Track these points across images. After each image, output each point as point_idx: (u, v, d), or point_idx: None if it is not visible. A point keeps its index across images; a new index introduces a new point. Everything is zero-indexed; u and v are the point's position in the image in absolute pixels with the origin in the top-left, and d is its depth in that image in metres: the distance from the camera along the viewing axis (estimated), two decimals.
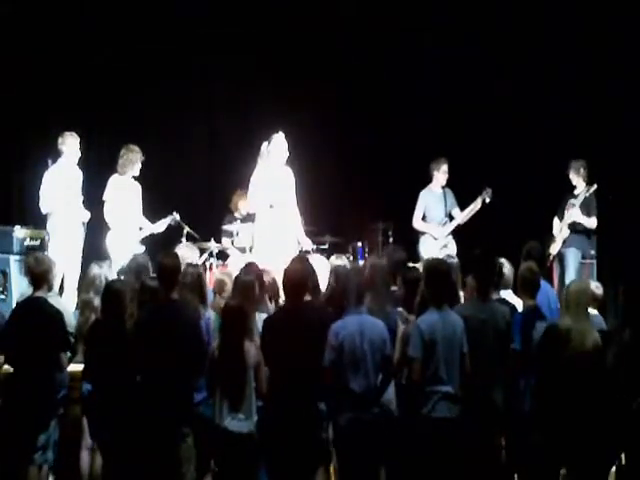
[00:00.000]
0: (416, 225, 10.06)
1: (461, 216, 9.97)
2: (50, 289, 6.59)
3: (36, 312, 6.39)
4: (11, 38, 10.72)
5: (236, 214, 10.46)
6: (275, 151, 9.11)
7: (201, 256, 9.84)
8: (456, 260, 7.54)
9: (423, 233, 10.02)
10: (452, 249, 9.80)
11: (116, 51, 11.09)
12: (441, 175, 10.02)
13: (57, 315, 6.38)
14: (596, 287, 7.64)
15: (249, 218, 9.73)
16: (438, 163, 10.03)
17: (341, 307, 6.00)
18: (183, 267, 6.47)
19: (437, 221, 10.00)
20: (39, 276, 6.49)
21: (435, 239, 9.94)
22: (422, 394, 5.84)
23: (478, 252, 6.61)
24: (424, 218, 10.06)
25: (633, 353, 5.98)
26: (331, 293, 6.48)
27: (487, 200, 9.87)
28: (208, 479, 6.21)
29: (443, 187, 10.06)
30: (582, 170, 9.63)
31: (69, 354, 6.64)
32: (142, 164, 9.42)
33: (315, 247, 10.03)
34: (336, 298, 6.19)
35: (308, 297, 6.19)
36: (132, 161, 9.32)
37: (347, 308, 5.94)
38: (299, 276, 6.09)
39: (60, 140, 9.39)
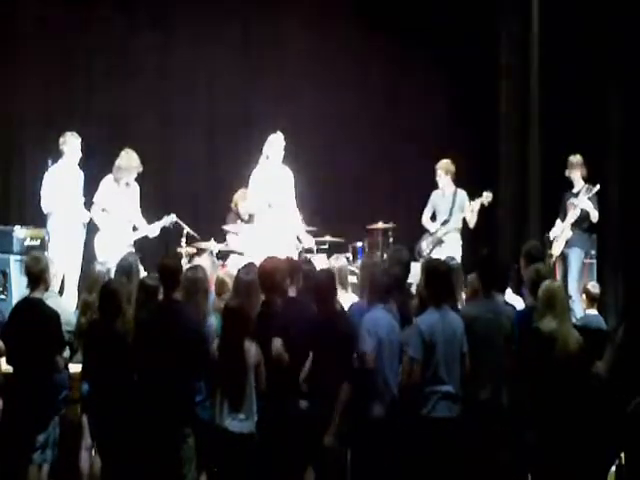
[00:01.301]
0: (423, 222, 10.12)
1: (457, 219, 9.95)
2: (47, 288, 6.56)
3: (32, 313, 6.36)
4: (11, 38, 10.73)
5: (240, 214, 10.42)
6: (273, 151, 9.12)
7: (201, 256, 9.84)
8: (457, 262, 7.53)
9: (425, 231, 10.09)
10: (450, 247, 9.78)
11: (116, 51, 11.09)
12: (437, 178, 10.03)
13: (53, 316, 6.34)
14: (592, 286, 7.64)
15: (252, 219, 9.72)
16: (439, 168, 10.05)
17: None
18: (185, 271, 6.47)
19: (442, 221, 10.04)
20: (37, 275, 6.45)
21: (431, 234, 9.99)
22: (422, 394, 5.85)
23: (484, 252, 6.59)
24: (434, 217, 10.10)
25: (626, 351, 5.97)
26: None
27: (486, 203, 9.86)
28: (203, 479, 6.21)
29: (455, 188, 10.04)
30: (580, 167, 9.61)
31: (68, 353, 6.63)
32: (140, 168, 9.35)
33: (315, 248, 10.05)
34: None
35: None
36: (126, 169, 9.20)
37: (372, 303, 5.97)
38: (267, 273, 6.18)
39: (61, 140, 9.36)
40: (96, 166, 9.64)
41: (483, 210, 9.87)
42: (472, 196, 9.91)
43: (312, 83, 11.31)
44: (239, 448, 5.81)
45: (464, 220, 9.89)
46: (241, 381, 5.83)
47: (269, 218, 9.12)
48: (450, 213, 9.97)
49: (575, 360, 5.97)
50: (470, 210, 9.88)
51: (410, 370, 5.86)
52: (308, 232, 9.73)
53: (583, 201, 9.36)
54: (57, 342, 6.35)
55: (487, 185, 9.93)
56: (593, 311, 7.61)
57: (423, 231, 10.11)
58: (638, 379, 5.83)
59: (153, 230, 9.43)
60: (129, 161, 9.22)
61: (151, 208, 9.65)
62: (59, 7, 10.73)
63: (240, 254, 9.67)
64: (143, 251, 9.09)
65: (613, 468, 6.18)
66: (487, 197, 9.83)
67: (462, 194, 10.01)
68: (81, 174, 9.51)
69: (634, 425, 5.77)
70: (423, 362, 5.82)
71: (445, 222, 9.99)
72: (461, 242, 9.93)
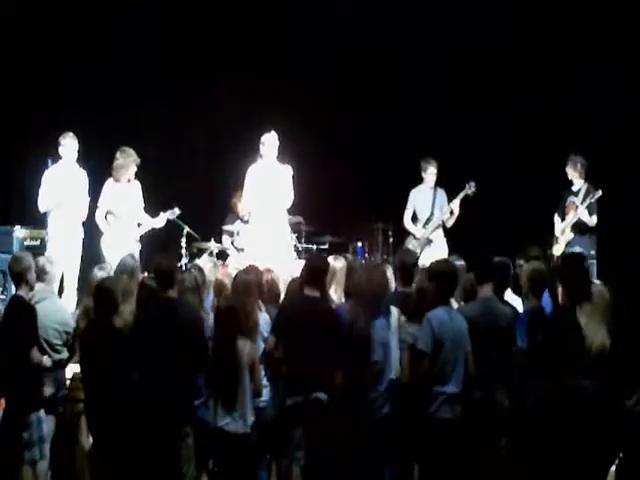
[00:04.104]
0: (404, 224, 10.10)
1: (440, 215, 9.93)
2: (32, 289, 6.56)
3: (8, 310, 6.47)
4: (12, 39, 10.75)
5: (240, 214, 10.43)
6: (266, 150, 9.13)
7: (201, 256, 9.86)
8: (462, 262, 7.53)
9: (409, 233, 10.05)
10: (438, 248, 9.77)
11: (117, 51, 11.11)
12: (428, 176, 10.02)
13: (27, 310, 6.38)
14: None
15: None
16: (426, 164, 10.01)
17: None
18: (181, 270, 6.49)
19: (424, 220, 10.01)
20: (17, 275, 6.53)
21: (417, 239, 9.96)
22: (429, 393, 5.90)
23: (479, 253, 6.60)
24: (415, 217, 10.06)
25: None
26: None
27: (470, 194, 9.83)
28: (204, 479, 6.21)
29: (435, 186, 10.03)
30: (579, 166, 9.59)
31: (67, 354, 6.63)
32: (140, 165, 9.32)
33: (315, 247, 10.08)
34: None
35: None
36: (124, 165, 9.20)
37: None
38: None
39: (60, 140, 9.38)
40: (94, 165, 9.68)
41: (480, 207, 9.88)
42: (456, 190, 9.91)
43: (309, 81, 11.34)
44: (235, 448, 5.81)
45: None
46: (234, 381, 5.83)
47: (263, 223, 9.17)
48: (432, 211, 9.96)
49: (594, 358, 5.94)
50: (449, 211, 9.87)
51: (418, 365, 5.92)
52: (308, 232, 9.76)
53: (581, 212, 9.36)
54: (30, 336, 6.34)
55: (486, 182, 9.93)
56: None
57: (407, 233, 10.09)
58: (632, 376, 5.84)
59: (158, 222, 9.45)
60: (125, 158, 9.23)
61: (151, 209, 9.66)
62: None
63: (239, 251, 9.72)
64: (142, 252, 9.11)
65: (613, 468, 6.18)
66: (471, 187, 9.81)
67: (442, 192, 9.99)
68: (82, 173, 9.50)
69: (634, 425, 5.78)
70: (431, 358, 5.88)
71: (428, 221, 9.97)
72: (445, 239, 9.92)
